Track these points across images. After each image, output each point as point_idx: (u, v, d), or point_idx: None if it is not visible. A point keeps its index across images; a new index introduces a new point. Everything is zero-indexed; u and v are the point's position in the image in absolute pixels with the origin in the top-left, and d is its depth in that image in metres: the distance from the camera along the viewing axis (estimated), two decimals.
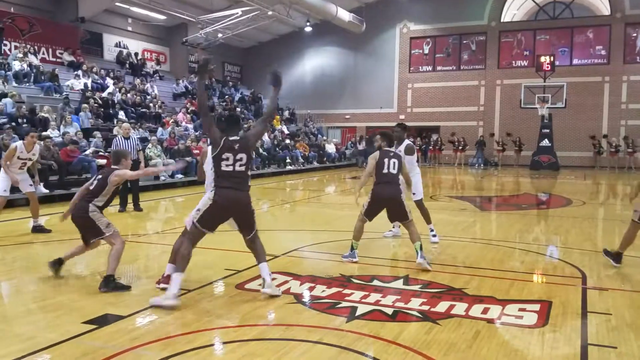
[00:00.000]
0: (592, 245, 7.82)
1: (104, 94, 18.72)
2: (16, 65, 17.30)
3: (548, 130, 24.99)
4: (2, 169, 8.04)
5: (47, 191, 11.61)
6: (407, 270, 5.95)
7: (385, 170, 6.13)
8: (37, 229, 8.17)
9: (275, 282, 5.21)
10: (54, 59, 20.94)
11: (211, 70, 5.45)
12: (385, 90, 29.91)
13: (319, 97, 31.03)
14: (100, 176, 5.50)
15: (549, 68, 24.39)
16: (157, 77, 24.95)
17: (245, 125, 22.01)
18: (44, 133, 13.25)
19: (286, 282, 5.43)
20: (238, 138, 4.86)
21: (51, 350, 3.71)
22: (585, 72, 26.38)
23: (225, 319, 4.40)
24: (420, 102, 29.36)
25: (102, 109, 17.54)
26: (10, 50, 18.95)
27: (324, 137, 29.48)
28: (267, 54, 31.80)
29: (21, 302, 4.99)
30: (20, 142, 8.21)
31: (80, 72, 19.57)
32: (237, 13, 25.48)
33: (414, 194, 7.30)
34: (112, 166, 5.65)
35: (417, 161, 8.18)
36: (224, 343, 3.96)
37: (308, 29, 28.86)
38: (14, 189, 8.36)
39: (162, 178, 15.20)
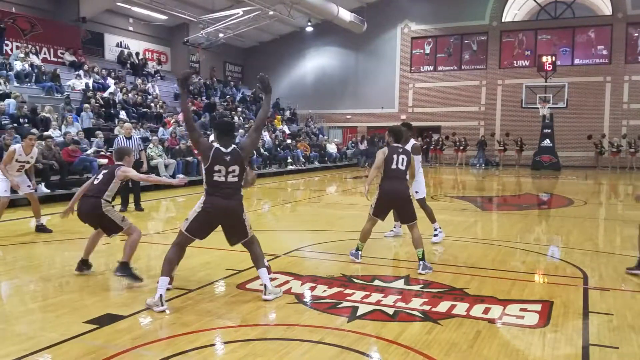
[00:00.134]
0: (594, 246, 7.82)
1: (105, 94, 18.74)
2: (18, 65, 17.33)
3: (549, 130, 24.97)
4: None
5: (49, 191, 11.62)
6: (408, 270, 5.95)
7: (394, 166, 6.05)
8: (40, 228, 8.20)
9: (276, 282, 5.22)
10: (56, 59, 20.96)
11: (191, 84, 5.36)
12: (386, 90, 29.90)
13: (320, 97, 31.03)
14: (105, 171, 5.54)
15: (550, 68, 24.37)
16: (159, 77, 24.97)
17: (247, 125, 22.08)
18: (45, 133, 13.27)
19: (287, 282, 5.43)
20: (230, 149, 4.74)
21: (52, 350, 3.71)
22: (586, 72, 26.36)
23: (227, 318, 4.40)
24: (421, 102, 29.35)
25: (104, 109, 17.56)
26: (11, 50, 18.99)
27: (325, 137, 29.48)
28: (268, 53, 31.81)
29: (22, 302, 5.00)
30: (19, 145, 8.22)
31: (81, 72, 19.61)
32: (238, 13, 25.47)
33: (416, 192, 7.28)
34: (116, 163, 5.68)
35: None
36: (225, 343, 3.96)
37: (309, 29, 28.87)
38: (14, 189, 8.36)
39: (163, 178, 15.18)
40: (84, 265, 5.70)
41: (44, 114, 14.91)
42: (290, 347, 3.81)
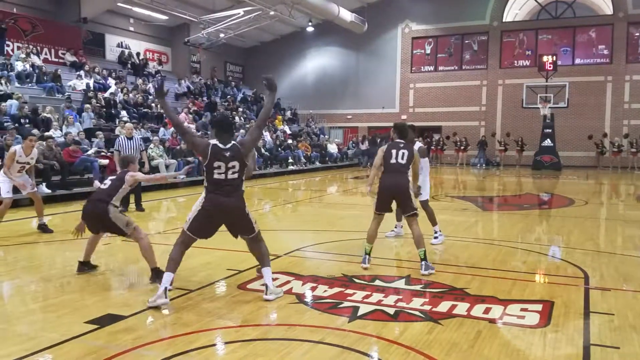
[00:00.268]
0: (595, 245, 7.81)
1: (106, 94, 18.75)
2: (19, 66, 17.35)
3: (550, 130, 24.95)
4: (2, 172, 8.07)
5: (50, 191, 11.63)
6: (409, 270, 5.95)
7: (392, 161, 6.03)
8: (42, 228, 8.23)
9: (277, 283, 5.22)
10: (57, 60, 20.98)
11: (166, 92, 5.37)
12: (387, 90, 29.90)
13: (321, 97, 31.03)
14: (113, 177, 5.57)
15: (551, 68, 24.35)
16: (159, 78, 24.95)
17: (248, 125, 22.09)
18: (46, 133, 13.29)
19: (288, 282, 5.43)
20: (230, 145, 4.73)
21: (53, 350, 3.71)
22: (587, 71, 26.34)
23: (227, 319, 4.40)
24: (422, 102, 29.34)
25: (105, 109, 17.57)
26: (13, 50, 19.02)
27: (326, 137, 29.48)
28: (269, 53, 31.82)
29: (23, 302, 5.00)
30: (19, 146, 8.24)
31: (82, 73, 19.62)
32: (239, 13, 25.47)
33: (420, 193, 7.23)
34: (122, 170, 5.73)
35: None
36: (226, 343, 3.96)
37: (310, 29, 28.87)
38: (17, 189, 8.37)
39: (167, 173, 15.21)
40: (84, 266, 5.70)
41: (45, 114, 14.93)
42: (291, 347, 3.81)
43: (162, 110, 20.22)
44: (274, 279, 5.07)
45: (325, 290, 5.16)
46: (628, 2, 25.64)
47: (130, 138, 10.54)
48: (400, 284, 5.46)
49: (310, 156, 24.87)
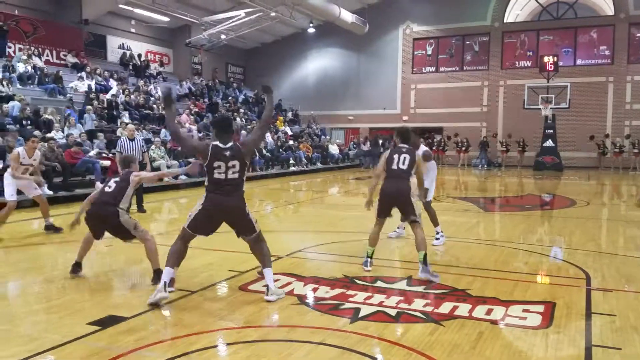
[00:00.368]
0: (596, 246, 7.81)
1: (108, 96, 18.77)
2: (20, 67, 17.38)
3: (552, 131, 24.94)
4: (7, 174, 8.09)
5: (51, 193, 11.64)
6: (410, 271, 5.93)
7: (394, 166, 5.95)
8: (49, 228, 8.27)
9: (278, 284, 5.22)
10: (58, 61, 21.01)
11: (174, 100, 5.49)
12: (388, 92, 29.91)
13: (322, 98, 31.05)
14: (117, 179, 5.53)
15: (553, 68, 24.34)
16: (161, 79, 25.00)
17: (249, 127, 22.11)
18: (47, 135, 13.30)
19: (289, 283, 5.43)
20: (230, 145, 4.75)
21: (56, 352, 3.72)
22: (589, 72, 26.33)
23: (229, 320, 4.41)
24: (423, 103, 29.34)
25: (106, 111, 17.59)
26: (14, 52, 19.04)
27: (327, 138, 29.49)
28: (270, 55, 31.86)
29: (25, 303, 5.01)
30: (21, 148, 8.27)
31: (84, 74, 19.65)
32: (240, 14, 25.51)
33: (426, 197, 7.19)
34: (125, 170, 5.71)
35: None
36: (228, 344, 3.97)
37: (311, 30, 28.88)
38: (21, 191, 8.40)
39: (166, 179, 15.22)
40: (77, 267, 5.66)
41: (47, 115, 14.95)
42: (293, 348, 3.82)
43: (163, 112, 20.26)
44: (275, 280, 5.07)
45: (326, 292, 5.16)
46: (629, 2, 25.63)
47: (132, 139, 10.56)
48: (402, 285, 5.46)
49: (311, 157, 24.88)
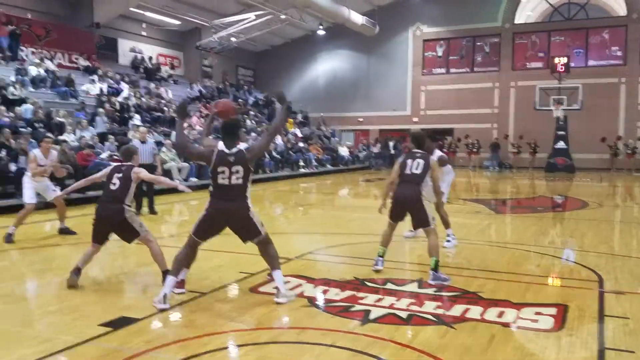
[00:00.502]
0: (609, 248, 7.73)
1: (119, 99, 18.91)
2: (33, 71, 17.55)
3: (563, 132, 24.77)
4: (26, 177, 8.18)
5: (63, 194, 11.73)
6: (421, 273, 5.91)
7: (407, 171, 5.92)
8: (64, 231, 8.34)
9: (288, 286, 5.22)
10: (70, 64, 21.18)
11: (188, 113, 5.57)
12: (398, 93, 29.86)
13: (332, 100, 31.06)
14: (120, 175, 5.53)
15: (563, 69, 24.18)
16: (172, 82, 25.16)
17: (259, 129, 22.17)
18: (60, 137, 13.42)
19: (300, 285, 5.43)
20: (235, 150, 4.75)
21: (68, 353, 3.75)
22: (601, 73, 26.11)
23: (239, 321, 4.41)
24: (433, 104, 29.25)
25: (118, 114, 17.72)
26: (27, 55, 19.23)
27: (337, 140, 29.49)
28: (280, 57, 31.93)
29: (38, 305, 5.05)
30: (37, 149, 8.34)
31: (95, 77, 19.81)
32: (250, 17, 25.61)
33: (443, 202, 7.12)
34: (125, 163, 5.69)
35: None
36: (238, 346, 3.98)
37: (321, 32, 28.90)
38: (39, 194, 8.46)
39: (177, 181, 15.30)
40: (77, 273, 5.47)
41: (59, 118, 15.08)
42: (303, 350, 3.81)
43: (174, 115, 20.37)
44: (285, 282, 5.07)
45: (337, 294, 5.16)
46: None
47: (143, 142, 10.63)
48: (413, 287, 5.44)
49: (321, 159, 24.89)
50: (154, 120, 18.99)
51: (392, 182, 6.14)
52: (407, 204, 5.91)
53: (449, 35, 29.06)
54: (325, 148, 26.50)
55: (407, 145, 6.76)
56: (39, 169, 8.05)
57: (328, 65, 31.87)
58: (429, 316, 4.54)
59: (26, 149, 11.66)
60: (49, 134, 12.73)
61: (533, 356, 3.78)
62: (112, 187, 5.47)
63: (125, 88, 20.19)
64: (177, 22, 25.99)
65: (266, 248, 4.97)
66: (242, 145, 4.83)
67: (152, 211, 10.80)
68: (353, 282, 5.56)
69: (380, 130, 30.50)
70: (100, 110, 16.78)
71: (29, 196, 8.04)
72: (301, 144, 24.68)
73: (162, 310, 4.58)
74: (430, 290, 5.29)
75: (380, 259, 6.05)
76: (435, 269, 5.56)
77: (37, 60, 18.33)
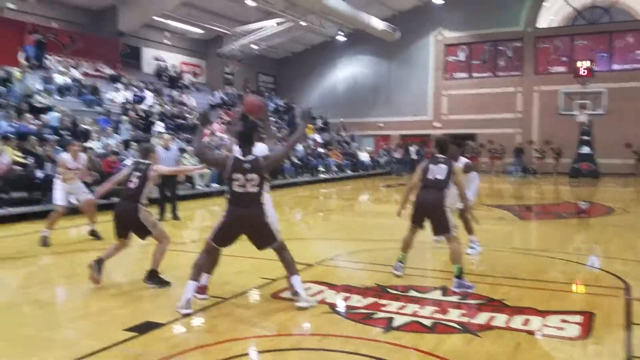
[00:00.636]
0: (635, 255, 7.58)
1: (143, 106, 19.17)
2: (59, 79, 17.90)
3: (588, 137, 24.37)
4: (57, 180, 8.35)
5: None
6: (445, 281, 5.84)
7: (430, 176, 5.86)
8: (93, 233, 8.52)
9: (309, 292, 5.22)
10: (95, 73, 21.53)
11: (211, 122, 5.69)
12: (419, 98, 29.71)
13: (352, 105, 31.03)
14: (138, 174, 5.65)
15: (587, 74, 23.83)
16: (194, 89, 25.43)
17: (279, 135, 22.25)
18: (85, 144, 13.64)
19: (321, 291, 5.42)
20: (250, 158, 4.80)
21: (93, 357, 3.79)
22: (625, 77, 25.64)
23: (261, 327, 4.43)
24: (456, 109, 29.03)
25: (142, 121, 17.97)
26: (52, 64, 19.62)
27: (357, 145, 29.45)
28: (300, 63, 32.04)
29: (65, 309, 5.14)
30: (65, 153, 8.52)
31: (120, 85, 20.12)
32: (271, 24, 25.79)
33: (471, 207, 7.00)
34: (144, 161, 5.83)
35: None
36: (260, 352, 3.99)
37: (341, 38, 28.95)
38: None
39: (199, 187, 15.46)
40: (99, 263, 5.68)
41: (84, 126, 15.34)
42: (325, 357, 3.81)
43: (196, 121, 20.57)
44: (306, 289, 5.07)
45: (359, 300, 5.14)
46: None
47: (167, 149, 10.76)
48: (436, 294, 5.39)
49: (341, 164, 24.88)
50: (177, 127, 19.20)
51: (413, 187, 6.11)
52: (427, 209, 5.86)
53: (470, 40, 28.86)
54: (345, 153, 26.49)
55: (429, 151, 6.73)
56: (68, 172, 8.22)
57: (348, 71, 31.90)
58: (454, 324, 4.50)
59: (52, 156, 11.89)
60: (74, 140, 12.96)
61: None
62: (130, 185, 5.68)
63: (148, 96, 20.47)
64: (200, 31, 26.28)
65: (282, 254, 4.99)
66: (258, 153, 4.88)
67: (175, 217, 10.91)
68: (375, 289, 5.53)
69: (401, 136, 30.37)
70: (124, 117, 17.03)
71: (59, 198, 8.23)
72: (321, 150, 24.70)
73: (186, 315, 4.62)
74: (455, 298, 5.24)
75: (400, 264, 6.05)
76: (459, 276, 5.50)
77: (63, 69, 18.69)
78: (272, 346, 4.03)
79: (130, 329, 4.31)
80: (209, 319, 4.65)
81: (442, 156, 6.02)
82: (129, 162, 14.00)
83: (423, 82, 29.69)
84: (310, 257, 6.89)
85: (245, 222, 4.84)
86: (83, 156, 8.61)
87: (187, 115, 20.85)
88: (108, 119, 16.58)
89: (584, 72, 23.72)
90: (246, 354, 3.94)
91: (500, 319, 4.59)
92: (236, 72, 29.29)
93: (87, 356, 3.80)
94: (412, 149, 28.07)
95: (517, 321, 4.54)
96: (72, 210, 8.93)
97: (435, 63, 29.53)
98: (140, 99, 19.87)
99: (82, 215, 8.92)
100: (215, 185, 15.87)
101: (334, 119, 30.95)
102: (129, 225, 5.64)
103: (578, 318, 4.62)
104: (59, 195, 8.24)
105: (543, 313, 4.75)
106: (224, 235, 4.90)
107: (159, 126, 17.87)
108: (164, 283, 5.55)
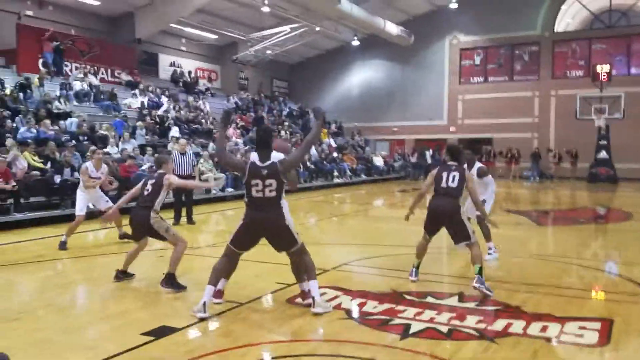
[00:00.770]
0: None
1: (159, 112, 19.36)
2: (77, 85, 18.14)
3: (605, 142, 24.06)
4: (79, 189, 8.49)
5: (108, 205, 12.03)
6: (462, 287, 5.79)
7: (443, 184, 5.80)
8: (123, 237, 8.66)
9: (325, 297, 5.21)
10: (113, 79, 21.81)
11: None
12: (434, 102, 29.60)
13: (366, 110, 31.01)
14: (152, 181, 5.80)
15: (606, 78, 23.56)
16: (209, 94, 25.62)
17: (294, 139, 22.30)
18: (103, 149, 13.78)
19: (337, 297, 5.41)
20: (268, 163, 4.79)
21: None
22: None
23: (277, 333, 4.43)
24: (471, 113, 28.86)
25: (158, 127, 18.12)
26: (71, 70, 19.90)
27: (371, 150, 29.40)
28: (314, 68, 32.11)
29: (82, 313, 5.18)
30: (89, 162, 8.70)
31: (137, 91, 20.33)
32: (286, 30, 25.91)
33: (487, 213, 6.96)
34: (158, 171, 6.00)
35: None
36: (276, 358, 3.98)
37: (355, 43, 28.97)
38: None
39: (213, 192, 15.53)
40: (122, 274, 6.02)
41: (102, 131, 15.51)
42: None
43: (211, 126, 20.72)
44: (321, 294, 5.06)
45: (375, 306, 5.12)
46: None
47: (183, 153, 10.85)
48: (453, 301, 5.34)
49: (355, 169, 24.84)
50: (192, 132, 19.34)
51: (423, 194, 6.08)
52: (442, 218, 5.81)
53: (486, 44, 28.70)
54: (359, 158, 26.46)
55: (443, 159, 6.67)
56: (91, 181, 8.37)
57: (362, 76, 31.89)
58: (471, 330, 4.46)
59: (71, 161, 12.03)
60: (93, 147, 13.10)
61: None
62: (145, 193, 5.85)
63: (165, 101, 20.65)
64: (215, 37, 26.49)
65: (302, 258, 4.98)
66: (275, 158, 4.88)
67: (190, 221, 10.98)
68: (391, 295, 5.51)
69: (416, 140, 30.26)
70: (140, 123, 17.19)
71: (79, 208, 8.42)
72: (335, 154, 24.70)
73: (202, 320, 4.64)
74: (471, 304, 5.19)
75: (414, 269, 6.06)
76: (480, 273, 5.48)
77: (81, 75, 18.93)
78: (287, 352, 4.02)
79: (147, 333, 4.33)
80: (225, 324, 4.66)
81: (454, 163, 5.95)
82: (145, 167, 14.16)
83: (438, 87, 29.58)
84: (325, 262, 6.88)
85: (264, 226, 4.85)
86: (105, 167, 8.82)
87: (202, 120, 20.99)
88: (124, 122, 16.72)
89: (603, 77, 23.44)
90: None
91: (517, 326, 4.54)
92: (251, 77, 29.49)
93: None
94: (428, 153, 27.96)
95: (535, 328, 4.49)
96: (90, 215, 9.01)
97: (450, 67, 29.41)
98: (156, 105, 20.06)
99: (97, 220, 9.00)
100: (229, 190, 15.95)
101: (348, 123, 30.95)
102: (144, 231, 5.80)
103: (596, 325, 4.56)
104: (79, 205, 8.41)
105: (561, 320, 4.69)
106: (243, 239, 4.92)
107: (175, 131, 18.02)
108: (180, 287, 5.61)
